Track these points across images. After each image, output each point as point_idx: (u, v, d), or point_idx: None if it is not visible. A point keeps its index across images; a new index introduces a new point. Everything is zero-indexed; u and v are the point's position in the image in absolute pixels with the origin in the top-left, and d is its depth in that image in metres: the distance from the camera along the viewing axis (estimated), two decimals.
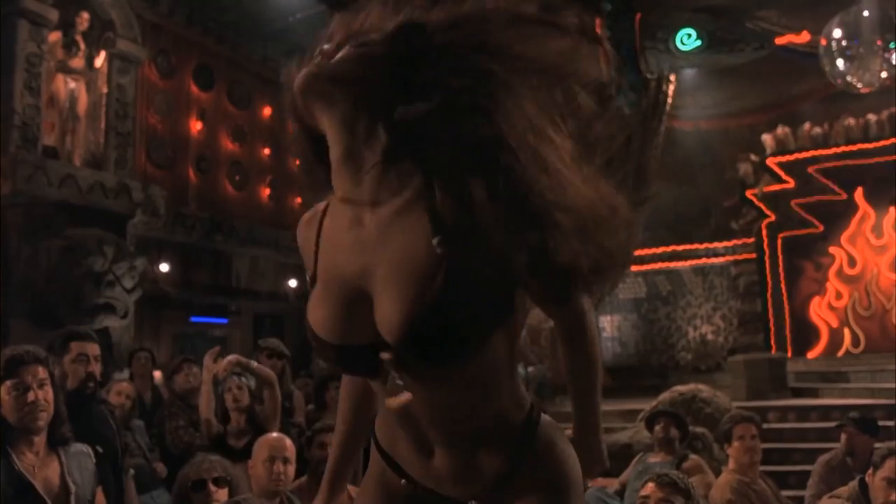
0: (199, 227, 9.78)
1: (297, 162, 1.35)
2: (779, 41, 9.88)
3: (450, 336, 1.11)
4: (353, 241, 1.18)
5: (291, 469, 3.57)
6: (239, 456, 4.08)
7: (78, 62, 7.99)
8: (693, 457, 4.50)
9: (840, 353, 11.04)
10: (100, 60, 8.31)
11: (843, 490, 3.11)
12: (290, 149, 1.40)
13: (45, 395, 2.51)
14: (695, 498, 2.41)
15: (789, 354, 10.67)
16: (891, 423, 4.99)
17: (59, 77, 7.82)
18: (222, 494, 2.85)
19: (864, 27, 8.80)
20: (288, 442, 3.71)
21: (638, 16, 10.09)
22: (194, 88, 10.23)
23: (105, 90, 8.36)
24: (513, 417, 1.28)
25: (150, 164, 9.39)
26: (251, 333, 10.57)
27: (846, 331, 11.19)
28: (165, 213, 8.60)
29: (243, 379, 4.88)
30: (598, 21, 10.17)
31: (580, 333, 1.30)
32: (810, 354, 11.14)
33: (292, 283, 11.33)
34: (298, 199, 12.04)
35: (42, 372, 2.53)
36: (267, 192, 11.35)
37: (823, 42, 8.99)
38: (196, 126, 10.19)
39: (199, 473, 2.90)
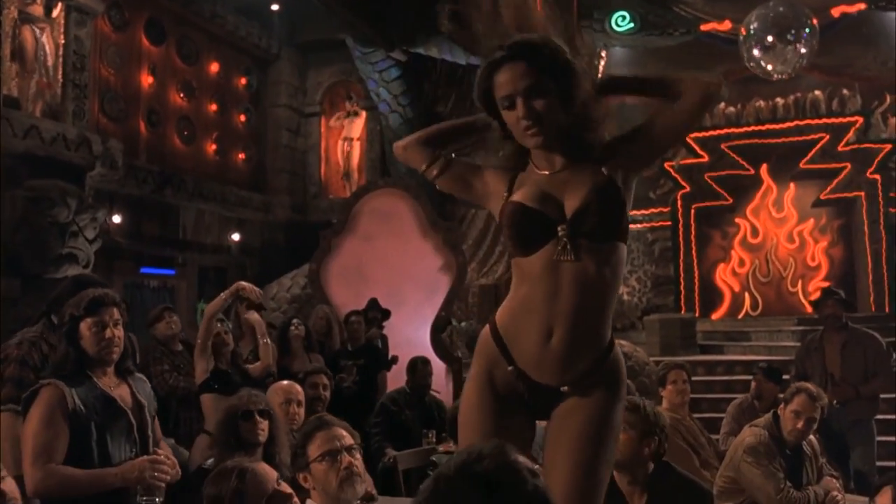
0: (150, 180, 9.95)
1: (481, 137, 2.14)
2: (703, 27, 10.60)
3: (600, 222, 1.87)
4: (550, 180, 1.97)
5: (302, 411, 4.08)
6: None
7: (37, 10, 8.00)
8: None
9: (741, 315, 12.03)
10: (56, 11, 8.35)
11: (760, 420, 3.88)
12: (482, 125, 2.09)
13: (118, 333, 2.95)
14: (652, 414, 3.03)
15: (697, 315, 11.48)
16: (787, 376, 5.86)
17: (27, 28, 7.85)
18: (265, 426, 3.16)
19: (779, 20, 9.59)
20: (298, 387, 4.20)
21: None
22: (146, 42, 10.29)
23: (62, 41, 8.40)
24: (605, 334, 1.95)
25: (103, 117, 9.48)
26: (196, 284, 10.87)
27: (747, 295, 12.22)
28: (121, 166, 8.78)
29: (228, 323, 5.36)
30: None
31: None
32: (715, 315, 12.09)
33: (235, 236, 11.62)
34: (241, 156, 12.27)
35: (116, 313, 2.93)
36: (213, 147, 11.54)
37: (743, 31, 9.76)
38: (147, 80, 10.27)
39: (247, 405, 3.16)
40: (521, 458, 1.06)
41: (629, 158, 1.94)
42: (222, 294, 4.65)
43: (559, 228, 1.86)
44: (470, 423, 1.97)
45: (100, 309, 2.87)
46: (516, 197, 1.94)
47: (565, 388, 1.92)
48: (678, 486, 3.04)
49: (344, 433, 2.52)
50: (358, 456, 2.49)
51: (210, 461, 3.17)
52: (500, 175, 2.05)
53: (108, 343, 2.84)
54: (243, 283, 4.70)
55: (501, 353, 1.94)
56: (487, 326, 2.00)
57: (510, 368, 1.93)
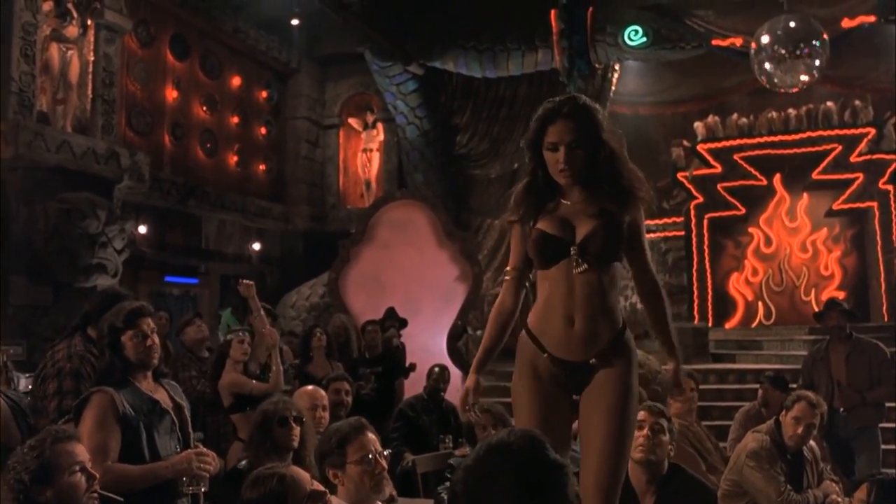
0: (174, 191, 10.23)
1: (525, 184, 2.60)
2: (715, 41, 10.75)
3: (603, 242, 2.41)
4: (569, 208, 2.51)
5: (327, 415, 4.28)
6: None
7: (72, 30, 8.31)
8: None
9: (754, 324, 12.03)
10: (88, 30, 8.65)
11: (763, 426, 4.05)
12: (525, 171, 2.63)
13: (157, 340, 3.19)
14: (668, 417, 3.31)
15: (710, 324, 11.50)
16: (795, 385, 6.00)
17: (54, 45, 8.15)
18: (298, 431, 3.36)
19: (790, 34, 9.73)
20: (322, 392, 4.40)
21: (590, 9, 10.79)
22: (170, 58, 10.60)
23: (92, 58, 8.70)
24: (617, 319, 2.48)
25: (129, 131, 9.78)
26: (218, 293, 11.13)
27: (760, 304, 12.23)
28: (147, 178, 9.05)
29: (248, 333, 5.56)
30: (553, 13, 10.92)
31: (656, 289, 2.57)
32: (728, 325, 12.11)
33: (255, 246, 11.88)
34: (262, 167, 12.55)
35: (152, 322, 3.18)
36: (235, 159, 11.82)
37: (754, 45, 9.91)
38: (172, 94, 10.57)
39: (283, 412, 3.34)
40: (545, 438, 1.33)
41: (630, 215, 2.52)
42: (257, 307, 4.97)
43: (572, 249, 2.42)
44: (521, 405, 2.48)
45: (138, 320, 3.11)
46: (540, 225, 2.49)
47: (593, 360, 2.42)
48: (688, 487, 3.22)
49: (375, 438, 2.73)
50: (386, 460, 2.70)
51: (244, 463, 3.37)
52: (525, 216, 2.57)
53: (149, 350, 3.09)
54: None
55: (536, 346, 2.47)
56: (523, 330, 2.53)
57: (545, 356, 2.45)
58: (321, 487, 2.26)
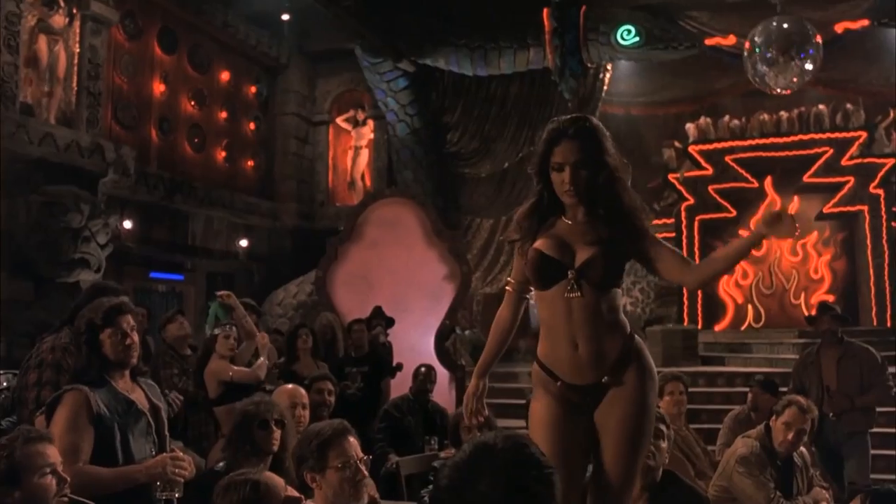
0: (160, 186, 10.10)
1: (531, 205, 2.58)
2: (708, 42, 10.70)
3: (602, 271, 2.39)
4: (571, 229, 2.49)
5: (307, 413, 4.20)
6: None
7: (59, 20, 8.18)
8: None
9: (743, 327, 12.12)
10: (74, 21, 8.53)
11: (753, 432, 3.98)
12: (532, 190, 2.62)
13: (136, 338, 3.10)
14: (668, 423, 3.26)
15: (700, 326, 11.57)
16: (785, 388, 5.95)
17: (42, 38, 8.03)
18: (278, 435, 3.24)
19: (784, 36, 9.69)
20: (302, 390, 4.33)
21: (583, 8, 10.72)
22: (158, 51, 10.46)
23: (77, 50, 8.58)
24: (623, 329, 2.46)
25: (115, 124, 9.64)
26: (204, 290, 11.00)
27: (750, 307, 12.29)
28: (133, 172, 8.93)
29: (234, 328, 5.51)
30: (546, 11, 10.84)
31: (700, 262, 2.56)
32: (718, 327, 12.17)
33: (243, 242, 11.76)
34: (250, 163, 12.43)
35: (132, 319, 3.09)
36: (223, 154, 11.69)
37: (747, 46, 9.86)
38: (159, 88, 10.44)
39: (264, 413, 3.22)
40: (534, 447, 1.30)
41: (632, 250, 2.47)
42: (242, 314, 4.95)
43: (569, 273, 2.40)
44: (542, 435, 2.43)
45: (118, 317, 3.02)
46: (538, 244, 2.48)
47: (605, 379, 2.41)
48: (680, 492, 3.17)
49: (357, 443, 2.64)
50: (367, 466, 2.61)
51: (221, 465, 3.27)
52: (526, 236, 2.56)
53: (128, 349, 3.01)
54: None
55: (548, 375, 2.47)
56: (535, 362, 2.55)
57: (559, 384, 2.45)
58: (296, 493, 2.18)
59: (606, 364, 2.41)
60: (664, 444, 3.18)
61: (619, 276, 2.47)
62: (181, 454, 2.94)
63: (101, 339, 2.98)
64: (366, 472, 2.57)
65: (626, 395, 2.41)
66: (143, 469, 2.83)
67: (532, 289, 2.63)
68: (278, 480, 2.21)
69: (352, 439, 2.60)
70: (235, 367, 5.11)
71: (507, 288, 2.68)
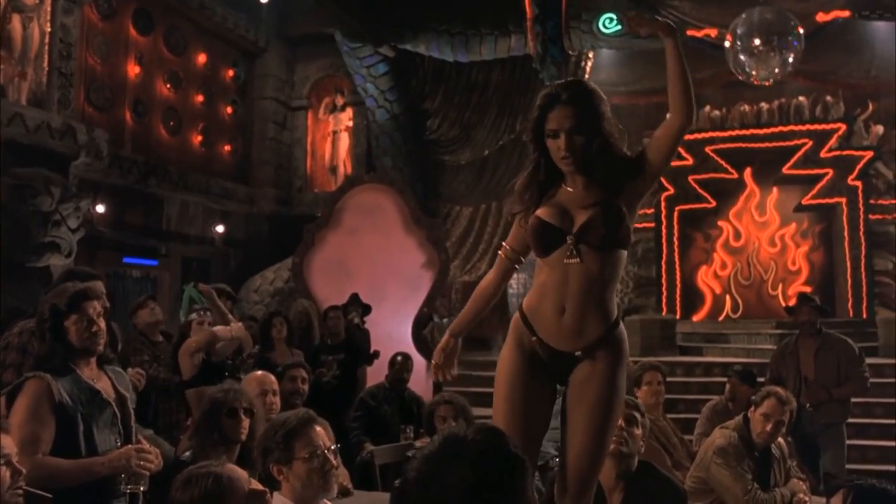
0: (134, 170, 9.91)
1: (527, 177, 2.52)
2: (690, 32, 10.66)
3: (602, 231, 2.33)
4: (570, 196, 2.44)
5: (278, 400, 4.12)
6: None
7: None
8: None
9: (721, 318, 12.12)
10: None
11: (731, 423, 3.95)
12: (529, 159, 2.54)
13: (102, 325, 3.00)
14: (643, 411, 3.21)
15: (678, 316, 11.55)
16: (762, 379, 5.95)
17: (16, 17, 7.80)
18: (247, 424, 3.16)
19: (765, 26, 9.65)
20: (272, 377, 4.25)
21: None
22: (133, 32, 10.24)
23: (49, 29, 8.35)
24: (610, 314, 2.42)
25: (88, 106, 9.44)
26: (179, 276, 10.85)
27: (728, 297, 12.31)
28: (106, 155, 8.75)
29: (208, 313, 5.41)
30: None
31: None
32: (696, 317, 12.16)
33: (219, 228, 11.60)
34: (227, 147, 12.25)
35: (99, 305, 2.99)
36: (199, 138, 11.50)
37: (729, 37, 9.82)
38: (134, 69, 10.23)
39: (232, 402, 3.15)
40: (507, 439, 1.26)
41: (633, 194, 2.42)
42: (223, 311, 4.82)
43: (568, 238, 2.34)
44: (504, 380, 2.45)
45: (83, 303, 2.92)
46: (539, 212, 2.44)
47: (578, 353, 2.39)
48: (657, 484, 3.13)
49: (324, 432, 2.56)
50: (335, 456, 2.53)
51: (187, 454, 3.19)
52: (528, 207, 2.51)
53: (95, 336, 2.91)
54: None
55: (526, 327, 2.44)
56: (518, 310, 2.49)
57: (534, 339, 2.42)
58: (260, 486, 2.09)
59: (586, 339, 2.38)
60: (638, 431, 3.13)
61: (621, 236, 2.37)
62: (147, 446, 2.84)
63: (65, 326, 2.88)
64: (335, 462, 2.49)
65: (598, 377, 2.37)
66: (106, 461, 2.73)
67: (522, 259, 2.61)
68: (241, 473, 2.12)
69: (318, 428, 2.52)
70: (218, 327, 5.05)
71: (499, 253, 2.62)
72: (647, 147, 2.46)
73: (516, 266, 2.62)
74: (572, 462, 2.37)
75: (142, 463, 2.72)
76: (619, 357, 2.41)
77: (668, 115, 2.44)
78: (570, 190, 2.43)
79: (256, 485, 2.10)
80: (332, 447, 2.52)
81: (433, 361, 2.65)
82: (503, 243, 2.64)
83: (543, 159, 2.44)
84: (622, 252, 2.41)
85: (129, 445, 2.82)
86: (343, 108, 13.12)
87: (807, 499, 3.78)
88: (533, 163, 2.49)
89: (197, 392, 4.73)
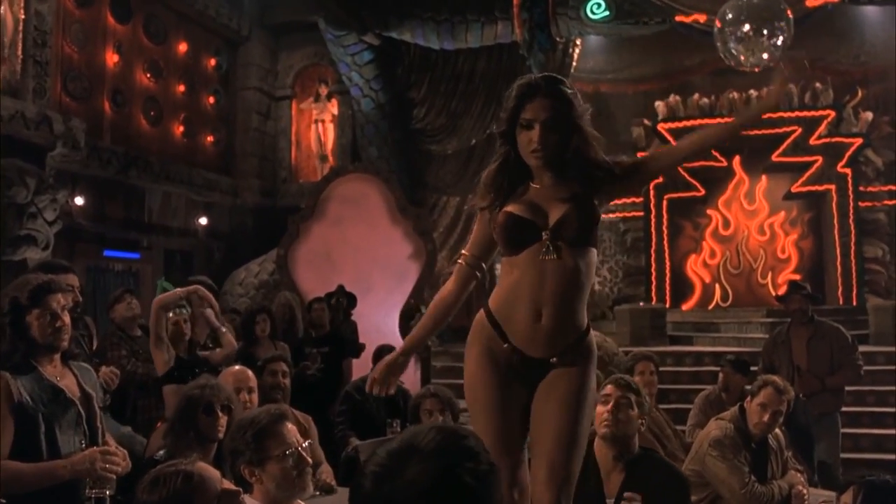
0: (114, 161, 9.70)
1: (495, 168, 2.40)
2: (679, 18, 10.54)
3: (577, 225, 2.25)
4: (540, 192, 2.33)
5: (255, 397, 3.94)
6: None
7: None
8: None
9: (711, 306, 12.08)
10: None
11: (727, 414, 3.83)
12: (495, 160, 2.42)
13: (67, 319, 2.84)
14: (642, 395, 3.09)
15: (668, 305, 11.51)
16: (755, 368, 5.85)
17: None
18: (224, 421, 3.00)
19: (755, 11, 9.54)
20: (250, 373, 4.06)
21: None
22: (111, 20, 10.01)
23: (22, 16, 8.15)
24: (584, 318, 2.34)
25: (65, 96, 9.21)
26: (162, 268, 10.66)
27: (717, 286, 12.26)
28: (84, 146, 8.55)
29: (185, 311, 5.23)
30: None
31: (671, 155, 2.63)
32: (685, 306, 12.13)
33: (202, 220, 11.41)
34: (210, 138, 12.05)
35: (63, 299, 2.83)
36: (181, 129, 11.29)
37: (718, 24, 9.70)
38: (112, 58, 10.00)
39: (209, 398, 3.01)
40: (473, 438, 1.15)
41: (605, 198, 2.41)
42: (178, 290, 4.55)
43: (544, 233, 2.24)
44: (477, 397, 2.31)
45: (46, 297, 2.76)
46: (509, 207, 2.31)
47: (554, 359, 2.29)
48: (658, 469, 3.04)
49: (296, 428, 2.42)
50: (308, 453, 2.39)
51: (161, 452, 3.04)
52: (495, 201, 2.38)
53: (59, 332, 2.76)
54: (202, 289, 4.63)
55: (497, 332, 2.30)
56: (482, 311, 2.35)
57: (506, 346, 2.29)
58: (231, 486, 1.95)
59: (561, 344, 2.29)
60: (633, 412, 3.02)
61: (594, 233, 2.33)
62: (114, 447, 2.69)
63: (27, 321, 2.72)
64: (310, 460, 2.34)
65: (569, 376, 2.29)
66: (69, 464, 2.58)
67: (484, 266, 2.45)
68: (214, 472, 1.97)
69: (290, 425, 2.38)
70: (210, 353, 4.88)
71: (458, 261, 2.46)
72: (644, 160, 2.48)
73: (477, 274, 2.44)
74: (547, 463, 2.24)
75: (107, 466, 2.57)
76: (590, 361, 2.35)
77: (678, 141, 2.48)
78: (538, 186, 2.34)
79: (229, 484, 1.96)
80: (305, 444, 2.37)
81: (371, 375, 2.48)
82: (462, 251, 2.49)
83: (514, 153, 2.33)
84: (594, 251, 2.35)
85: (94, 448, 2.66)
86: (328, 98, 12.92)
87: (805, 490, 3.66)
88: (502, 157, 2.37)
89: (174, 389, 4.56)
